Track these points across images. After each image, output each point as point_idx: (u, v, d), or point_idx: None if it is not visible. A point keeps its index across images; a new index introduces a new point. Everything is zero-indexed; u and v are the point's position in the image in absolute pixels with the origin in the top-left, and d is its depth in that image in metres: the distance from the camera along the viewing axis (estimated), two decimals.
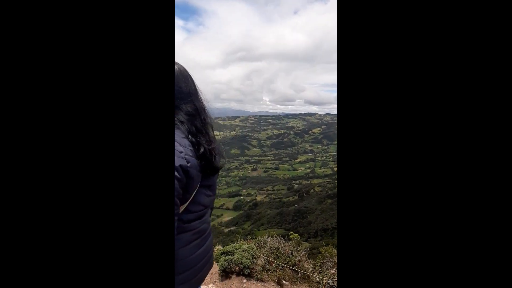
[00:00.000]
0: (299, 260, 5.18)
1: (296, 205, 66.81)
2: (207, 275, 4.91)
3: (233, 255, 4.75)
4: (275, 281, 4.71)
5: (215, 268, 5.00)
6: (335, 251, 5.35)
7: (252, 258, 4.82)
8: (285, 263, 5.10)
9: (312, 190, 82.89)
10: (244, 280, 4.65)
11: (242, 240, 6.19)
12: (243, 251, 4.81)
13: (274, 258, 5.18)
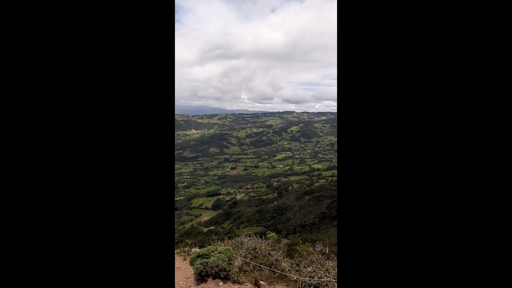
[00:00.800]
0: (277, 260, 5.16)
1: (275, 202, 67.45)
2: (182, 280, 4.76)
3: (209, 258, 4.63)
4: (252, 282, 4.66)
5: (191, 272, 4.86)
6: (311, 249, 5.38)
7: (229, 260, 4.73)
8: (262, 263, 5.05)
9: (290, 187, 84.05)
10: (221, 283, 4.56)
11: (219, 241, 6.08)
12: (219, 253, 4.71)
13: (251, 259, 5.12)
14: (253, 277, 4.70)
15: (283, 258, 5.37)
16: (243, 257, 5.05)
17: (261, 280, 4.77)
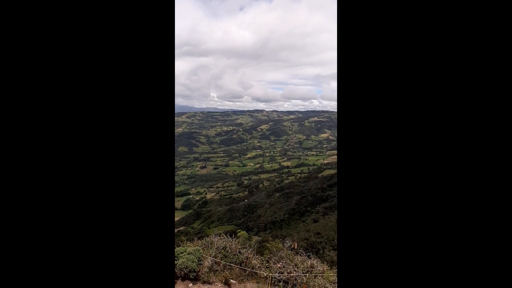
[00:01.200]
0: (247, 258, 5.19)
1: (246, 200, 67.68)
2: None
3: (178, 260, 4.53)
4: (222, 281, 4.64)
5: None
6: (280, 245, 5.49)
7: (198, 260, 4.66)
8: (232, 262, 5.05)
9: (261, 185, 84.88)
10: (190, 284, 4.48)
11: (188, 242, 5.97)
12: (188, 254, 4.63)
13: (221, 258, 5.10)
14: (223, 276, 4.68)
15: (254, 255, 5.42)
16: (213, 257, 5.01)
17: (232, 278, 4.77)
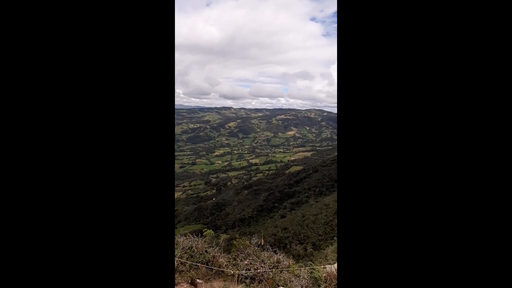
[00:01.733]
0: (213, 256, 5.15)
1: (213, 199, 67.07)
2: None
3: None
4: (188, 281, 4.56)
5: None
6: (247, 242, 5.53)
7: None
8: (199, 262, 4.98)
9: (229, 183, 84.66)
10: None
11: None
12: None
13: (187, 258, 5.00)
14: (189, 276, 4.60)
15: (221, 254, 5.39)
16: (178, 257, 4.90)
17: (198, 278, 4.71)
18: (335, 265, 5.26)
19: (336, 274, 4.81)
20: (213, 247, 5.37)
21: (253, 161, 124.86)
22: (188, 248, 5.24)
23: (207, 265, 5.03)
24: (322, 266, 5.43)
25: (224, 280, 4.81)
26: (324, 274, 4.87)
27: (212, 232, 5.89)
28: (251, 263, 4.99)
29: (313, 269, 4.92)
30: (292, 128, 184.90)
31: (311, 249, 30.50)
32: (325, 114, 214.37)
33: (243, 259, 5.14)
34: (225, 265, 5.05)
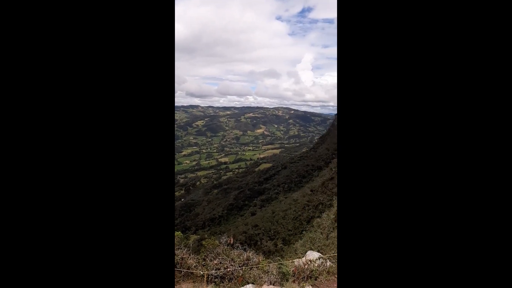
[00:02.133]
0: (182, 258, 5.05)
1: (182, 200, 65.53)
2: None
3: None
4: None
5: None
6: (217, 242, 5.49)
7: None
8: None
9: (198, 183, 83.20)
10: None
11: None
12: None
13: None
14: None
15: (189, 255, 5.30)
16: None
17: None
18: (303, 258, 5.42)
19: (304, 267, 4.96)
20: (181, 248, 5.26)
21: (223, 159, 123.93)
22: None
23: (176, 267, 4.92)
24: (291, 261, 5.57)
25: (193, 282, 4.74)
26: (293, 268, 5.00)
27: (181, 234, 5.76)
28: (220, 263, 4.97)
29: (281, 264, 5.03)
30: (261, 126, 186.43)
31: (281, 245, 31.11)
32: (292, 112, 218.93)
33: (212, 259, 5.10)
34: (194, 266, 4.98)
